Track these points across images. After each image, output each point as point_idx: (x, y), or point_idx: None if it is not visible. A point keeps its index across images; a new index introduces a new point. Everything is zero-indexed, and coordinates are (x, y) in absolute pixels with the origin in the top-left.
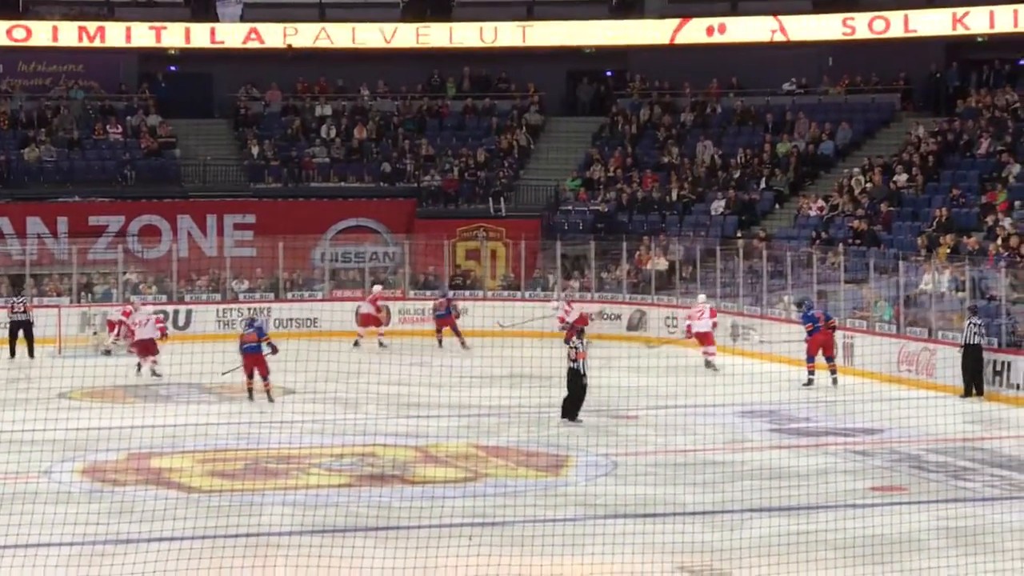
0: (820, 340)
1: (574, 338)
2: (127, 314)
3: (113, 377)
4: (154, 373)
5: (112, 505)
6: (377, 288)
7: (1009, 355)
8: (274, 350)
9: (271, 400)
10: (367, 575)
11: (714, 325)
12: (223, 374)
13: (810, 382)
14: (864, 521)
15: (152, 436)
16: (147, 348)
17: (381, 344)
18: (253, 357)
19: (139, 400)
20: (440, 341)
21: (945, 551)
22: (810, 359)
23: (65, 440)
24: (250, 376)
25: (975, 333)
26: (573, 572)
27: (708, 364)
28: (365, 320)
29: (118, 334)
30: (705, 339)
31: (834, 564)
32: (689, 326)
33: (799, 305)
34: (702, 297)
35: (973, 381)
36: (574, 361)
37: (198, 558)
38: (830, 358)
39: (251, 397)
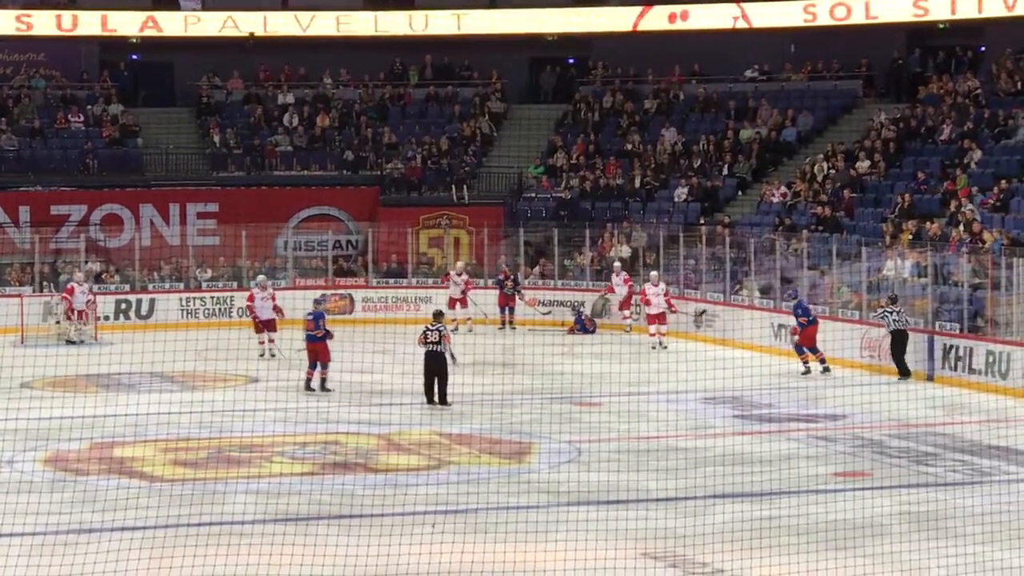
0: (812, 332)
1: (436, 323)
2: (70, 290)
3: (76, 366)
4: (273, 354)
5: (75, 494)
6: (654, 274)
7: (970, 340)
8: (329, 335)
9: (326, 390)
10: (331, 563)
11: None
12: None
13: (807, 371)
14: (827, 506)
15: (115, 425)
16: (269, 327)
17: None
18: (313, 346)
19: (102, 389)
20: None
21: (908, 536)
22: (800, 351)
23: (28, 429)
24: (312, 366)
25: (896, 320)
26: (537, 559)
27: (660, 344)
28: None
29: (68, 316)
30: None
31: (797, 549)
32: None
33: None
34: (654, 274)
35: (900, 364)
36: (436, 344)
37: (161, 547)
38: (814, 349)
39: (308, 387)
